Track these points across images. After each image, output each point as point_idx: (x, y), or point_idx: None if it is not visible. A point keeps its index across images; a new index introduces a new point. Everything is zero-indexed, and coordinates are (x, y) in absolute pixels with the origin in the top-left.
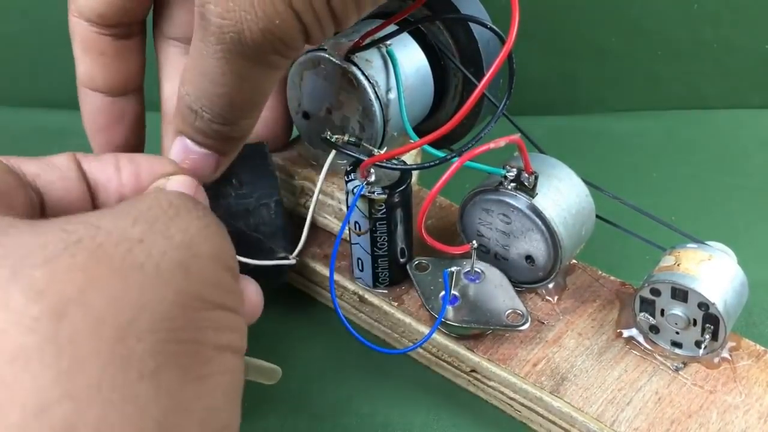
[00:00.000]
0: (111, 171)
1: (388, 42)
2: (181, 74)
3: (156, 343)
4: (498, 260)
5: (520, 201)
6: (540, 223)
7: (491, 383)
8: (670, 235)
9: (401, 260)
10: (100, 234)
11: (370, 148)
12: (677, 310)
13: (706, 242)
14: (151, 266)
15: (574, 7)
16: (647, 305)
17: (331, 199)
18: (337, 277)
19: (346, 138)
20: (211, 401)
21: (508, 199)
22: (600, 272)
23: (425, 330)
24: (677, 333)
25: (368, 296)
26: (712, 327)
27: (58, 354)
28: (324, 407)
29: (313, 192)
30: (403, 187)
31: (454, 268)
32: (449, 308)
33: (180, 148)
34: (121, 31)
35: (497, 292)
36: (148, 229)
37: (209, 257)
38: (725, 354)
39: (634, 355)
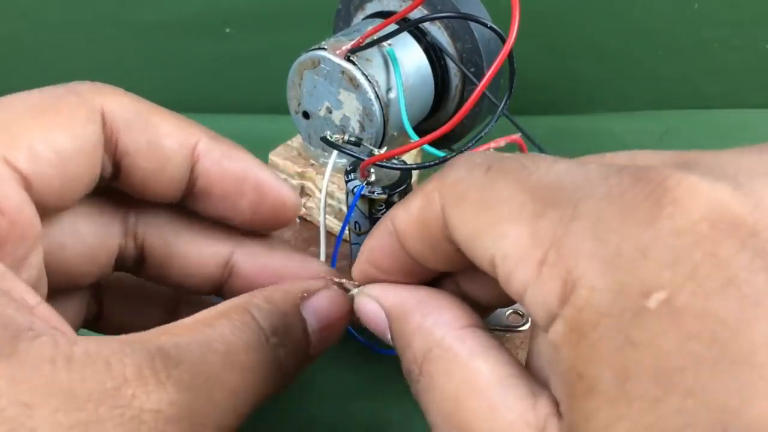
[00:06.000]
0: (233, 185)
1: (389, 41)
2: None
3: None
4: None
5: None
6: None
7: None
8: None
9: None
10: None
11: (370, 147)
12: None
13: None
14: None
15: (574, 7)
16: None
17: (331, 199)
18: None
19: (346, 137)
20: None
21: None
22: None
23: None
24: None
25: None
26: None
27: None
28: (323, 407)
29: (313, 192)
30: (403, 187)
31: None
32: None
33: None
34: None
35: None
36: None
37: None
38: None
39: None
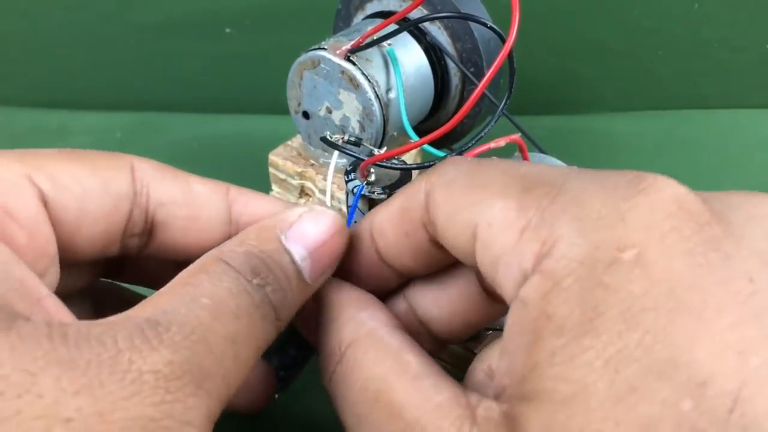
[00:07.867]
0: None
1: (389, 41)
2: None
3: None
4: None
5: None
6: None
7: None
8: None
9: None
10: (24, 397)
11: (370, 147)
12: None
13: None
14: None
15: (574, 7)
16: None
17: (331, 199)
18: None
19: (346, 137)
20: None
21: None
22: None
23: None
24: None
25: None
26: None
27: None
28: (324, 407)
29: (313, 192)
30: None
31: None
32: None
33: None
34: None
35: None
36: (93, 402)
37: None
38: None
39: None
